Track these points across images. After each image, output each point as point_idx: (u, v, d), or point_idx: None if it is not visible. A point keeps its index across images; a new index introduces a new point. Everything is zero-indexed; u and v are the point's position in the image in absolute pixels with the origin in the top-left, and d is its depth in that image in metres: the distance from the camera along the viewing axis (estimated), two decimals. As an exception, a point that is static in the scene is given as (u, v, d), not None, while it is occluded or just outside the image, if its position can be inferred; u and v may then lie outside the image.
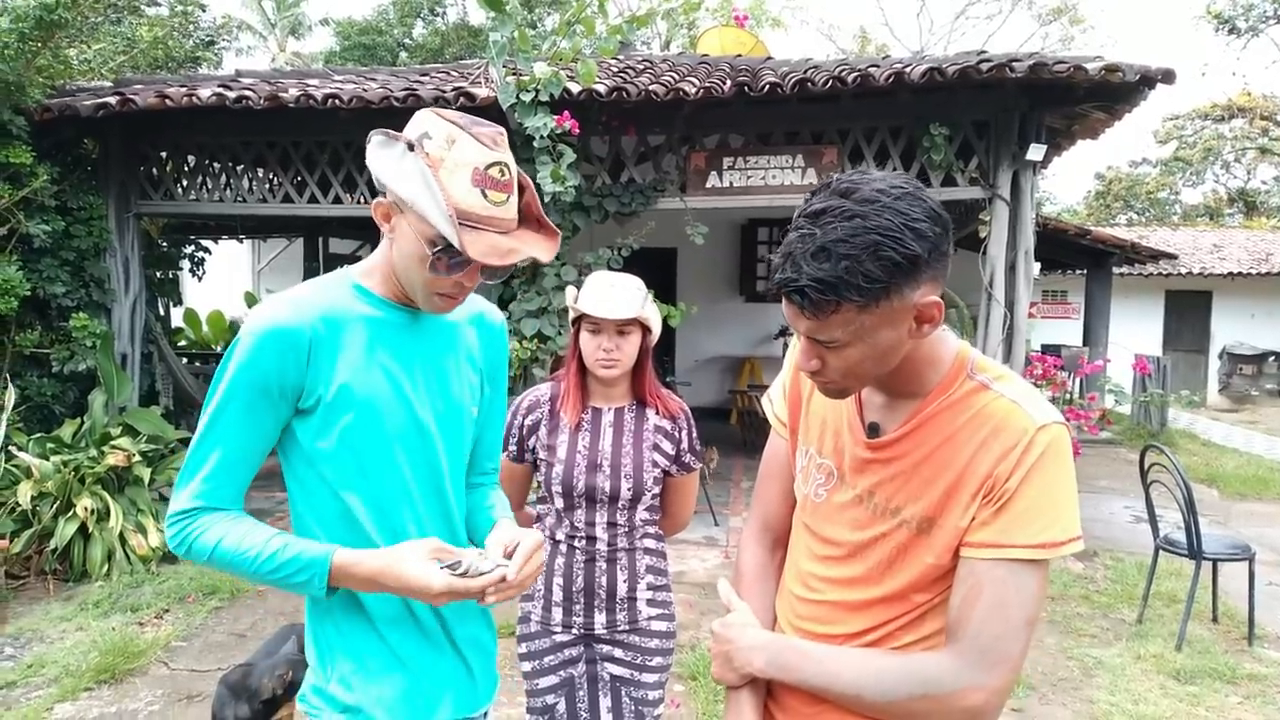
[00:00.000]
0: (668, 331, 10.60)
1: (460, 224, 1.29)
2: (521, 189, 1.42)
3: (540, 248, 1.42)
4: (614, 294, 2.16)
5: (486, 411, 1.66)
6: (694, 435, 2.33)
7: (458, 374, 1.55)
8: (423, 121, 1.35)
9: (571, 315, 2.24)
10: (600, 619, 2.23)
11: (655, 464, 2.24)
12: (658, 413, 2.28)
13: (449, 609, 1.52)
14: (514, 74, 5.60)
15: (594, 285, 2.19)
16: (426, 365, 1.49)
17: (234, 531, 1.36)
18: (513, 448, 2.28)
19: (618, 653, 2.25)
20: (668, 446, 2.27)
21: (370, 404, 1.41)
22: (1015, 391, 1.23)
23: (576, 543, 2.22)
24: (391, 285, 1.46)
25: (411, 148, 1.31)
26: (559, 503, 2.23)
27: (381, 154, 1.36)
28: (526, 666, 2.27)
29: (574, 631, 2.24)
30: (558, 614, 2.25)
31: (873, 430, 1.31)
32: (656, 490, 2.28)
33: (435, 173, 1.30)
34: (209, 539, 1.35)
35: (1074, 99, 5.73)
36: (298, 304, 1.39)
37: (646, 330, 2.23)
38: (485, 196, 1.33)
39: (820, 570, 1.37)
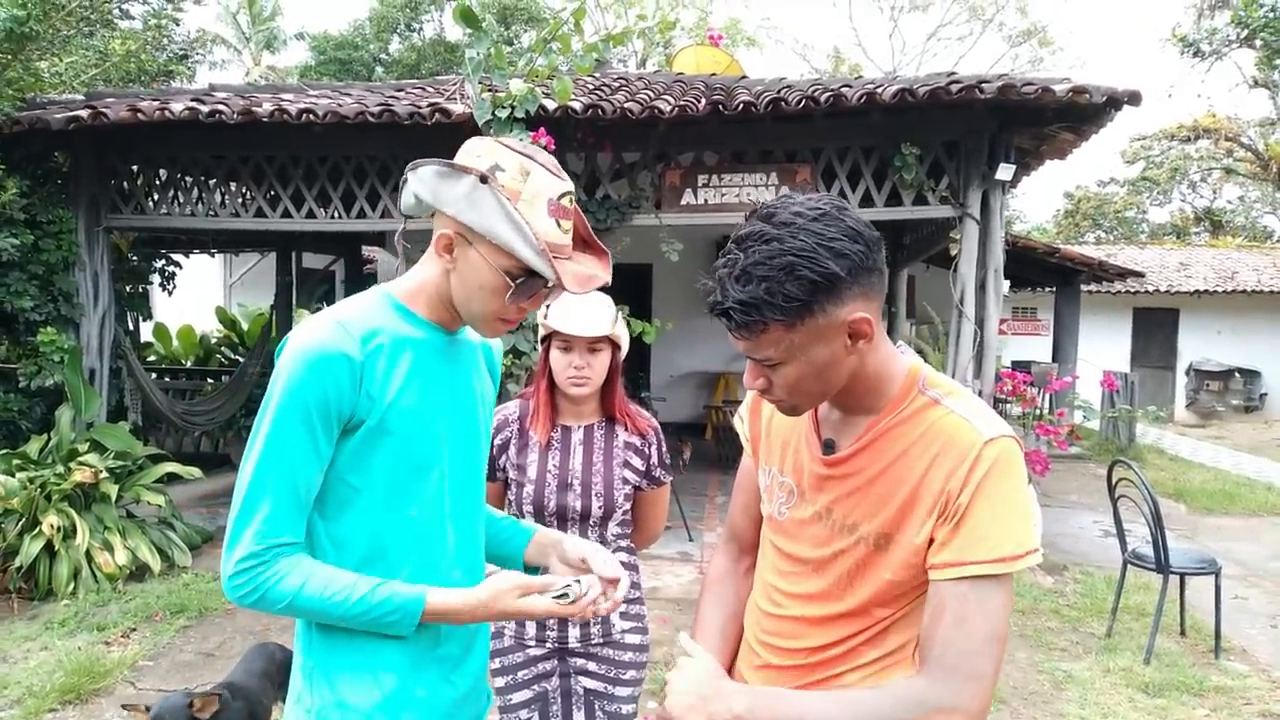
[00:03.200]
0: (643, 347, 10.60)
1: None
2: None
3: (602, 269, 1.43)
4: (585, 311, 2.16)
5: None
6: (664, 450, 2.33)
7: (481, 396, 1.55)
8: (488, 152, 1.32)
9: (541, 333, 2.24)
10: (574, 632, 2.23)
11: (625, 480, 2.25)
12: (627, 430, 2.29)
13: (474, 645, 1.53)
14: (490, 90, 5.61)
15: (565, 303, 2.18)
16: (461, 388, 1.48)
17: (317, 575, 1.30)
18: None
19: (591, 666, 2.25)
20: (638, 462, 2.28)
21: (413, 428, 1.38)
22: (965, 407, 1.25)
23: None
24: (436, 309, 1.42)
25: (485, 180, 1.28)
26: (530, 521, 2.23)
27: (444, 185, 1.32)
28: (500, 681, 2.26)
29: (548, 645, 2.24)
30: (531, 628, 2.24)
31: (828, 447, 1.33)
32: (627, 506, 2.29)
33: (515, 205, 1.29)
34: (289, 585, 1.28)
35: (1042, 120, 5.83)
36: (345, 325, 1.33)
37: (616, 347, 2.24)
38: (559, 226, 1.34)
39: (784, 586, 1.39)
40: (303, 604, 1.29)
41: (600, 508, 2.20)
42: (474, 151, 1.33)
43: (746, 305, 1.15)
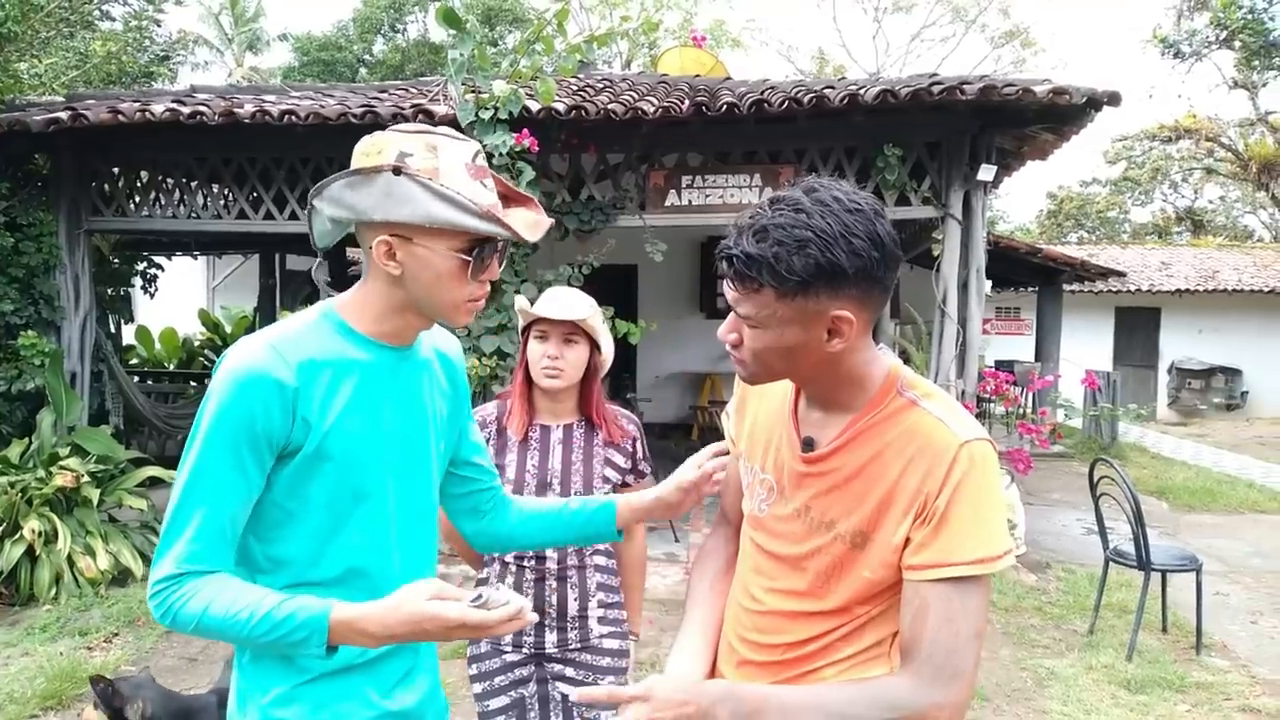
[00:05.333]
0: (628, 348, 10.60)
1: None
2: None
3: (539, 215, 1.41)
4: (561, 298, 2.19)
5: (465, 432, 1.62)
6: (645, 446, 2.35)
7: (434, 413, 1.49)
8: (386, 143, 1.28)
9: (522, 323, 2.24)
10: (551, 638, 2.22)
11: (606, 479, 2.25)
12: (607, 432, 2.29)
13: (419, 663, 1.49)
14: (473, 92, 5.60)
15: (545, 294, 2.23)
16: (410, 409, 1.43)
17: (223, 595, 1.23)
18: None
19: (569, 671, 2.24)
20: (620, 460, 2.28)
21: (355, 455, 1.34)
22: (941, 409, 1.27)
23: (525, 562, 2.21)
24: (385, 323, 1.37)
25: (398, 171, 1.24)
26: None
27: (358, 195, 1.28)
28: (477, 688, 2.25)
29: (525, 651, 2.23)
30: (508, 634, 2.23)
31: (808, 445, 1.34)
32: None
33: (438, 182, 1.25)
34: (195, 606, 1.22)
35: (1023, 121, 5.87)
36: (279, 348, 1.28)
37: (595, 348, 2.24)
38: (484, 186, 1.31)
39: (764, 582, 1.40)
40: (209, 625, 1.23)
41: None
42: (372, 149, 1.29)
43: (750, 259, 1.17)
